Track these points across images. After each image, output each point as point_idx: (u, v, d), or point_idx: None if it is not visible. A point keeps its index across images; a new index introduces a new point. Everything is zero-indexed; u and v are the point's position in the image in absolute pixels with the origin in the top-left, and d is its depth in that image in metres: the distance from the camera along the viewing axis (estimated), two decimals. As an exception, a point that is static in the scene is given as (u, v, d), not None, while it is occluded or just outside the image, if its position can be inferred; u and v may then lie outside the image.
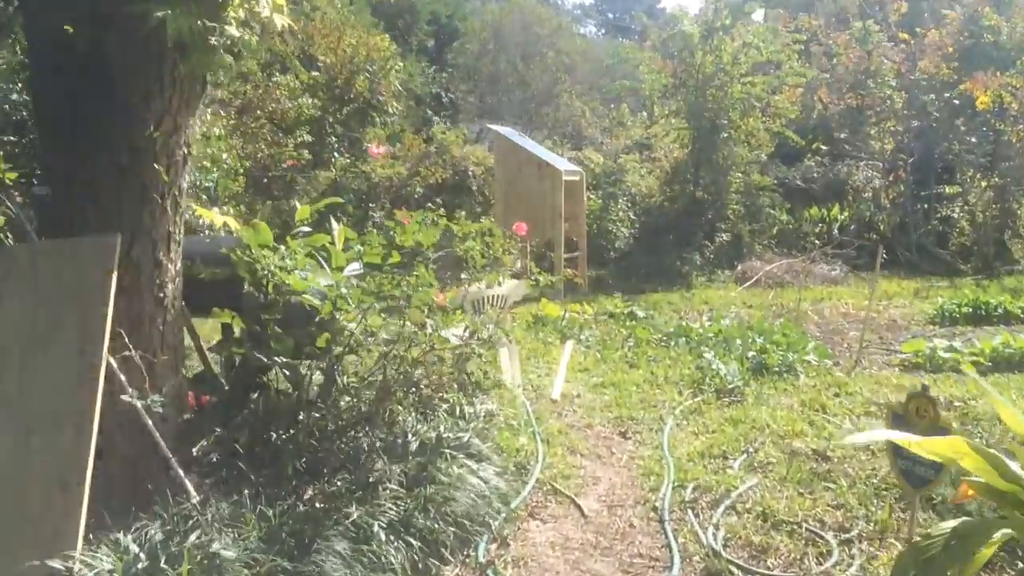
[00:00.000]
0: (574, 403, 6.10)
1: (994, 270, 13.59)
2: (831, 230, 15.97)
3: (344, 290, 4.03)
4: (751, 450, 4.94)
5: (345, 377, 4.42)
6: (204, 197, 10.31)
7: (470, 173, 13.85)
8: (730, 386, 6.12)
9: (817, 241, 15.50)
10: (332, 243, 4.41)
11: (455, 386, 5.02)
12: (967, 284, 12.03)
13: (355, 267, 4.42)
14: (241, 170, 12.07)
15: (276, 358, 4.10)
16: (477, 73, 31.61)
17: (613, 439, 5.40)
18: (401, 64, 17.12)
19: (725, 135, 13.90)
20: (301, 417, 4.16)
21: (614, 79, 22.75)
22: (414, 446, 4.22)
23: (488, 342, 4.94)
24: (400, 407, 4.60)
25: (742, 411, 5.64)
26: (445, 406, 4.90)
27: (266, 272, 3.90)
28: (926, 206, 15.79)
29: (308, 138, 14.30)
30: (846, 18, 19.56)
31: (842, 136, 16.27)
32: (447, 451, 4.22)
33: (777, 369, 6.63)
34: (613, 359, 7.24)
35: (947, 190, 15.49)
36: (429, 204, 10.80)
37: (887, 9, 19.21)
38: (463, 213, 5.53)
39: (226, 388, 4.26)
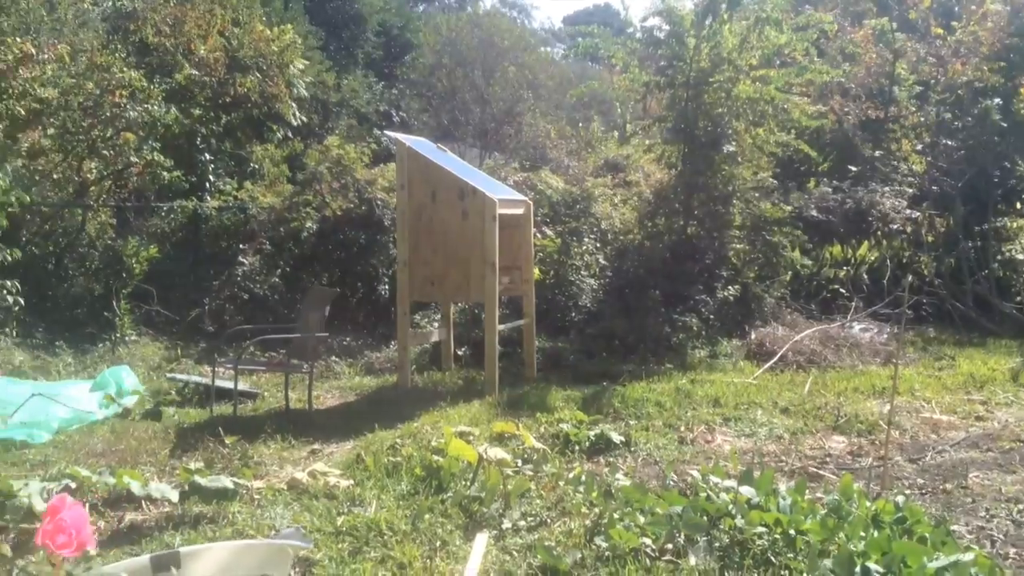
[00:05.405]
0: None
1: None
2: (858, 275, 12.32)
3: None
4: None
5: None
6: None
7: (377, 203, 9.98)
8: None
9: (843, 290, 11.85)
10: None
11: None
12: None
13: None
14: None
15: None
16: (431, 89, 28.13)
17: None
18: (305, 63, 13.33)
19: (728, 151, 10.21)
20: None
21: (582, 99, 19.38)
22: None
23: None
24: None
25: None
26: None
27: None
28: (979, 243, 12.25)
29: (160, 157, 10.26)
30: (860, 13, 16.06)
31: (876, 154, 12.62)
32: None
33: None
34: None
35: (1009, 224, 11.93)
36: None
37: (908, 2, 15.81)
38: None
39: None
